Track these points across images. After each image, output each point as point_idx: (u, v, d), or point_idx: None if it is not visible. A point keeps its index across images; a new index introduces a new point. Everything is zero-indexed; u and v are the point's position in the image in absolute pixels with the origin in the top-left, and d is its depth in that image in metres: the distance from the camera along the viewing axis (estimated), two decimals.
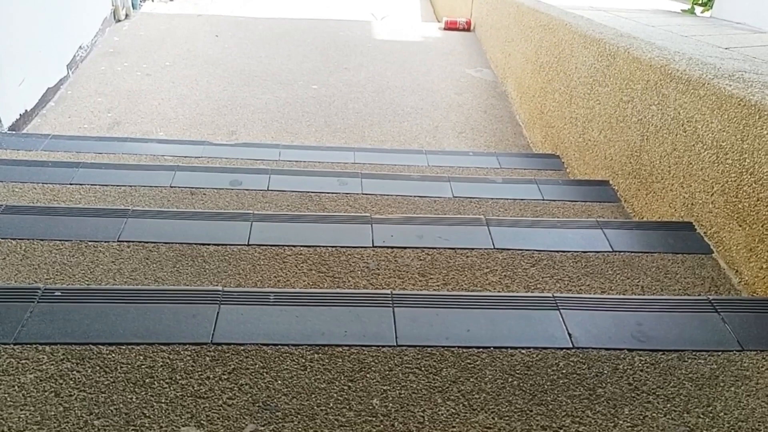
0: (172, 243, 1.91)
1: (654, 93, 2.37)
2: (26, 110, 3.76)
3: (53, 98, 4.12)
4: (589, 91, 2.97)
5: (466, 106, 4.49)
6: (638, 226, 2.17)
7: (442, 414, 1.24)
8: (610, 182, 2.75)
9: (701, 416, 1.26)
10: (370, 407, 1.25)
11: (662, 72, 2.31)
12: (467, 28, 6.02)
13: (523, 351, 1.41)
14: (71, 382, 1.25)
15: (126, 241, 1.90)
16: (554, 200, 2.61)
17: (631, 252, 2.00)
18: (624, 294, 1.78)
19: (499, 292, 1.76)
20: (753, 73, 2.14)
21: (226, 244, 1.92)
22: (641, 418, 1.25)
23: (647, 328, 1.49)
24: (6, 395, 1.20)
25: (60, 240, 1.88)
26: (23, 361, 1.28)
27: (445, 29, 6.15)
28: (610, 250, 2.00)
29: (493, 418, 1.24)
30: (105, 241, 1.89)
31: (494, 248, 1.98)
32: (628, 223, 2.22)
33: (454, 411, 1.25)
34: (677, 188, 2.24)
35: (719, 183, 1.99)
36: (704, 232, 2.08)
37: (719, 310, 1.56)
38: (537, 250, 1.97)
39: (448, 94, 4.69)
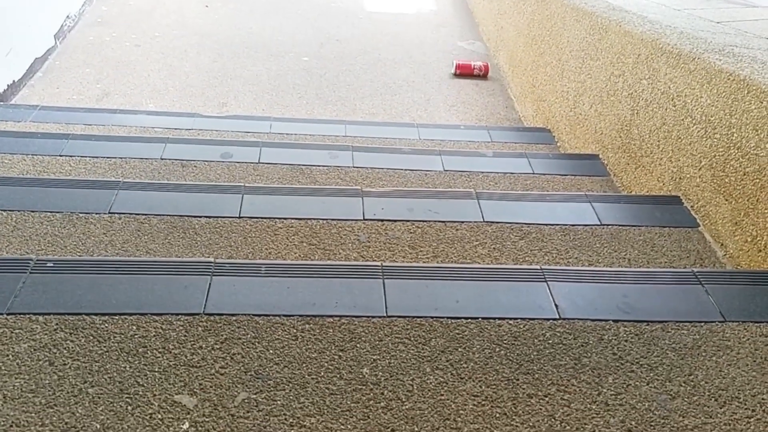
0: (164, 215, 1.91)
1: (645, 67, 2.38)
2: (14, 81, 3.72)
3: (41, 69, 4.07)
4: (581, 65, 2.97)
5: (458, 80, 4.48)
6: (626, 200, 2.19)
7: (431, 383, 1.27)
8: (600, 156, 2.77)
9: (683, 385, 1.30)
10: (361, 376, 1.27)
11: (653, 46, 2.31)
12: (485, 72, 4.50)
13: (510, 322, 1.43)
14: (65, 352, 1.26)
15: (117, 213, 1.90)
16: (544, 174, 2.63)
17: (619, 225, 2.02)
18: (611, 266, 1.80)
19: (488, 264, 1.79)
20: (743, 47, 2.15)
21: (217, 217, 1.93)
22: (624, 386, 1.29)
23: (632, 299, 1.52)
24: (0, 364, 1.22)
25: (51, 212, 1.88)
26: (17, 331, 1.30)
27: (457, 73, 4.51)
28: (598, 223, 2.03)
29: (480, 387, 1.26)
30: (96, 213, 1.89)
31: (484, 221, 2.00)
32: (617, 197, 2.24)
33: (442, 380, 1.28)
34: (666, 162, 2.26)
35: (707, 157, 2.01)
36: (691, 206, 2.11)
37: (703, 283, 1.59)
38: (526, 223, 1.99)
39: (440, 67, 4.66)
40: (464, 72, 4.48)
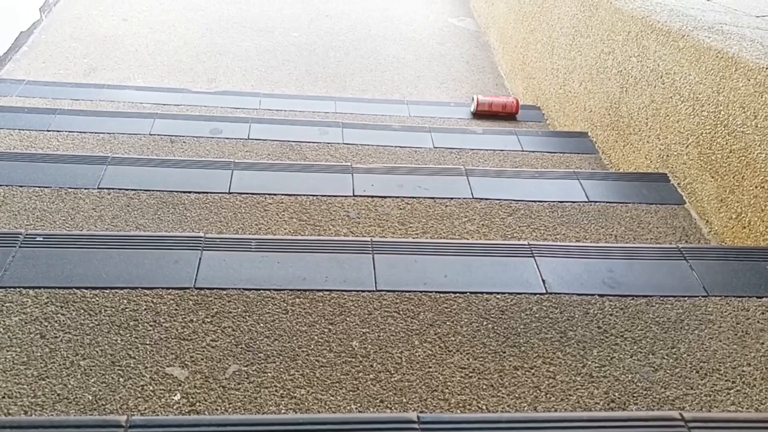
0: (153, 190, 1.91)
1: (634, 44, 2.38)
2: None
3: (26, 43, 4.01)
4: (571, 42, 2.97)
5: (449, 56, 4.46)
6: (614, 177, 2.21)
7: (419, 355, 1.29)
8: (589, 134, 2.78)
9: (665, 357, 1.32)
10: (350, 349, 1.29)
11: (643, 23, 2.31)
12: (514, 111, 3.29)
13: (498, 296, 1.45)
14: (56, 325, 1.27)
15: (106, 188, 1.90)
16: (533, 151, 2.64)
17: (606, 202, 2.04)
18: (597, 242, 1.83)
19: (476, 240, 1.80)
20: (732, 25, 2.16)
21: (207, 192, 1.93)
22: (609, 359, 1.31)
23: (618, 274, 1.54)
24: None
25: (39, 186, 1.87)
26: (7, 304, 1.30)
27: (476, 111, 3.28)
28: (586, 200, 2.05)
29: (467, 359, 1.29)
30: (85, 188, 1.89)
31: (473, 198, 2.02)
32: (604, 174, 2.26)
33: (430, 352, 1.30)
34: (653, 140, 2.28)
35: (694, 135, 2.02)
36: (678, 183, 2.13)
37: (688, 258, 1.62)
38: (515, 200, 2.01)
39: (430, 43, 4.64)
40: (487, 112, 3.28)
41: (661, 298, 1.48)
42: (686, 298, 1.49)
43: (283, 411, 1.15)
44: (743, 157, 1.78)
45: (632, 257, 1.61)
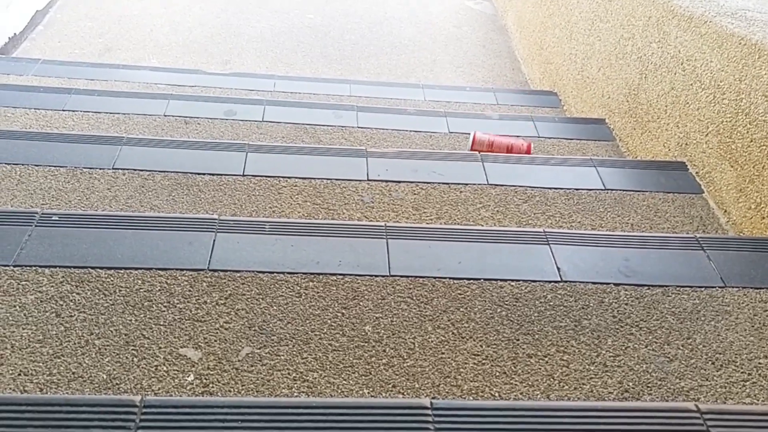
0: (168, 172, 1.91)
1: (655, 30, 2.34)
2: (15, 34, 3.67)
3: (42, 22, 4.02)
4: (590, 27, 2.93)
5: (465, 40, 4.42)
6: (631, 165, 2.18)
7: (432, 341, 1.29)
8: (606, 120, 2.75)
9: (681, 348, 1.31)
10: (363, 333, 1.29)
11: (665, 8, 2.27)
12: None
13: (512, 283, 1.44)
14: (71, 304, 1.28)
15: (121, 169, 1.90)
16: (550, 137, 2.62)
17: (623, 190, 2.02)
18: (613, 231, 1.81)
19: (491, 226, 1.79)
20: (756, 11, 2.11)
21: (221, 174, 1.93)
22: (623, 348, 1.30)
23: (634, 263, 1.53)
24: (8, 315, 1.24)
25: (55, 166, 1.88)
26: (23, 283, 1.31)
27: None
28: (603, 188, 2.02)
29: (481, 346, 1.28)
30: (100, 168, 1.89)
31: (488, 184, 2.00)
32: (621, 162, 2.23)
33: (443, 338, 1.29)
34: (672, 128, 2.24)
35: (714, 123, 1.99)
36: (696, 172, 2.10)
37: (705, 248, 1.60)
38: (530, 187, 1.99)
39: (446, 26, 4.60)
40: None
41: (678, 288, 1.46)
42: (703, 289, 1.47)
43: (295, 394, 1.15)
44: (764, 147, 1.75)
45: (649, 246, 1.60)
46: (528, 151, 2.36)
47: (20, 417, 0.91)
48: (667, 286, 1.47)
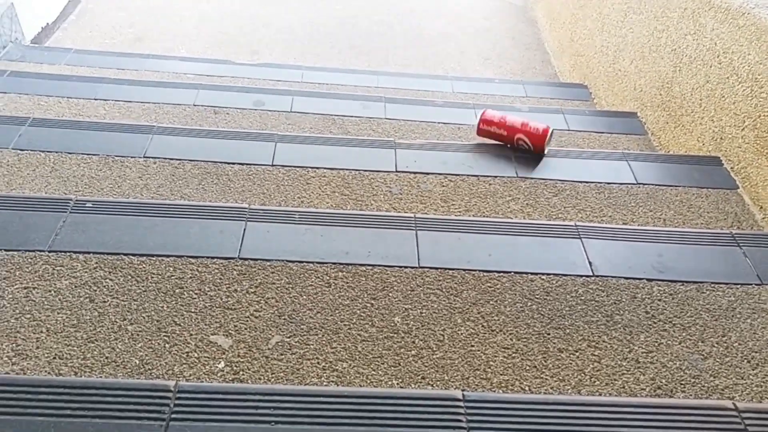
0: (198, 161, 1.92)
1: (690, 22, 2.29)
2: (47, 23, 3.72)
3: (74, 12, 4.07)
4: (623, 19, 2.88)
5: (494, 32, 4.37)
6: (664, 159, 2.15)
7: (462, 333, 1.28)
8: (638, 114, 2.70)
9: (715, 345, 1.29)
10: (392, 324, 1.29)
11: (701, 0, 2.22)
12: (538, 145, 2.06)
13: (543, 277, 1.43)
14: (105, 290, 1.30)
15: (152, 158, 1.92)
16: (580, 131, 2.58)
17: (656, 185, 1.99)
18: (645, 226, 1.78)
19: (521, 219, 1.77)
20: None
21: (250, 164, 1.93)
22: (656, 345, 1.28)
23: (667, 259, 1.50)
24: (44, 299, 1.26)
25: (88, 154, 1.90)
26: (58, 268, 1.33)
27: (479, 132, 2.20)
28: (634, 182, 1.99)
29: (511, 340, 1.27)
30: (132, 157, 1.91)
31: (517, 177, 1.98)
32: (654, 156, 2.19)
33: (473, 331, 1.29)
34: (707, 122, 2.20)
35: (751, 117, 1.95)
36: (731, 167, 2.06)
37: (741, 245, 1.57)
38: (560, 180, 1.97)
39: (475, 18, 4.55)
40: (494, 135, 2.15)
41: (713, 285, 1.44)
42: (739, 286, 1.44)
43: (324, 383, 1.15)
44: None
45: (682, 242, 1.57)
46: (545, 134, 2.04)
47: (57, 399, 0.93)
48: (701, 282, 1.44)
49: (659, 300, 1.39)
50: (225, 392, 0.97)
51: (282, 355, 1.20)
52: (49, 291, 1.28)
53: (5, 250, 1.35)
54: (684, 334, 1.31)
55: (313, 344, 1.23)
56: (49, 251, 1.37)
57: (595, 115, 2.77)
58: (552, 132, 1.99)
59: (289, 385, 1.11)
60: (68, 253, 1.37)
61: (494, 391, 1.15)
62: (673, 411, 1.07)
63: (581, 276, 1.44)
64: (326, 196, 1.84)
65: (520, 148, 2.06)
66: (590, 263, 1.47)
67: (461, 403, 0.98)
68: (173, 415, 0.92)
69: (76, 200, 1.52)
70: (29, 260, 1.34)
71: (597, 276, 1.44)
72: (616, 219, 1.82)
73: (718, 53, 2.13)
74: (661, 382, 1.21)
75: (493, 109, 2.20)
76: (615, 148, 2.45)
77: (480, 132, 2.14)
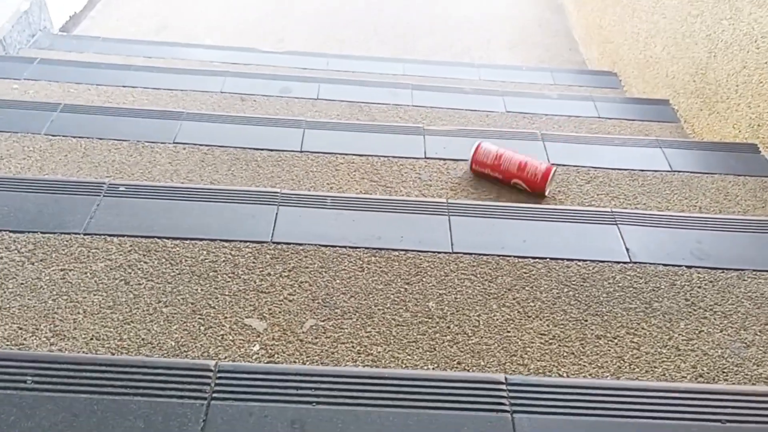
0: (227, 147, 1.92)
1: (727, 6, 2.24)
2: (75, 12, 3.75)
3: (101, 0, 4.09)
4: (654, 5, 2.82)
5: (520, 19, 4.32)
6: (699, 146, 2.10)
7: (498, 319, 1.26)
8: (671, 101, 2.65)
9: (758, 333, 1.26)
10: (426, 309, 1.28)
11: None
12: (540, 187, 1.77)
13: (579, 263, 1.40)
14: (139, 272, 1.30)
15: (182, 143, 1.92)
16: (611, 118, 2.54)
17: (691, 172, 1.95)
18: (682, 212, 1.74)
19: (556, 205, 1.74)
20: None
21: (279, 150, 1.93)
22: (697, 332, 1.26)
23: (707, 246, 1.47)
24: (80, 281, 1.26)
25: (118, 140, 1.91)
26: (93, 250, 1.33)
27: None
28: (669, 169, 1.95)
29: (548, 326, 1.25)
30: (162, 143, 1.91)
31: (549, 164, 1.95)
32: (689, 143, 2.15)
33: (509, 317, 1.27)
34: (743, 108, 2.15)
35: None
36: None
37: None
38: (593, 167, 1.93)
39: (501, 5, 4.50)
40: (488, 176, 1.87)
41: (754, 273, 1.40)
42: None
43: (359, 367, 1.14)
44: None
45: (722, 229, 1.53)
46: (546, 176, 1.76)
47: (99, 377, 0.93)
48: (742, 269, 1.41)
49: (699, 287, 1.36)
50: (266, 372, 0.96)
51: (316, 338, 1.20)
52: (85, 273, 1.28)
53: (41, 233, 1.36)
54: (725, 321, 1.28)
55: (347, 328, 1.22)
56: (84, 234, 1.38)
57: (626, 102, 2.72)
58: (555, 171, 1.76)
59: (330, 367, 1.10)
60: (103, 236, 1.37)
61: (535, 376, 1.13)
62: (717, 397, 1.04)
63: (618, 262, 1.41)
64: (355, 182, 1.83)
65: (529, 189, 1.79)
66: (627, 249, 1.44)
67: (504, 386, 0.96)
68: (214, 394, 0.92)
69: (110, 184, 1.52)
70: (65, 243, 1.35)
71: (634, 263, 1.41)
72: (650, 207, 1.78)
73: (755, 38, 2.07)
74: (703, 370, 1.18)
75: (491, 141, 1.90)
76: (647, 136, 2.41)
77: (473, 171, 1.87)
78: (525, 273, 1.37)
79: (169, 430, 0.87)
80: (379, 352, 1.18)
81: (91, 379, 0.92)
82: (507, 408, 0.93)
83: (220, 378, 0.94)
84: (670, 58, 2.67)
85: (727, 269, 1.41)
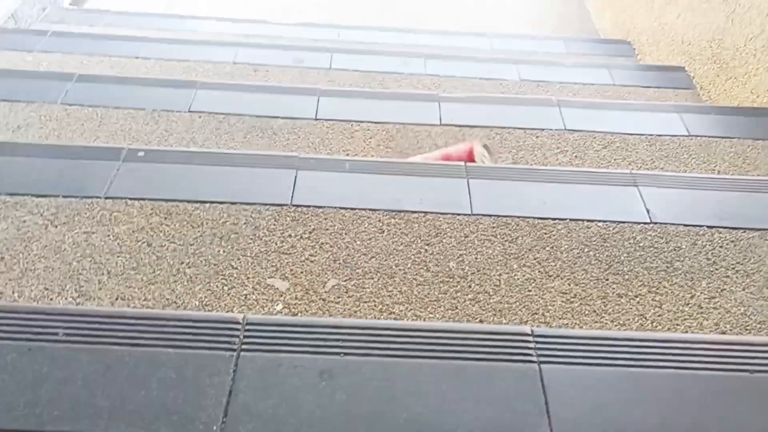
0: (242, 114, 1.92)
1: None
2: None
3: None
4: None
5: None
6: (717, 111, 2.08)
7: (518, 279, 1.26)
8: (686, 68, 2.62)
9: None
10: (447, 269, 1.28)
11: None
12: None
13: (599, 224, 1.40)
14: (161, 235, 1.31)
15: (197, 112, 1.92)
16: (626, 86, 2.51)
17: (709, 137, 1.93)
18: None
19: (575, 167, 1.74)
20: None
21: (294, 118, 1.92)
22: (719, 291, 1.25)
23: (728, 206, 1.46)
24: (103, 243, 1.27)
25: (134, 108, 1.91)
26: (115, 214, 1.34)
27: None
28: (687, 134, 1.94)
29: (569, 285, 1.25)
30: (177, 111, 1.91)
31: (565, 129, 1.94)
32: (706, 108, 2.13)
33: (530, 276, 1.27)
34: (762, 73, 2.12)
35: None
36: None
37: None
38: (610, 132, 1.92)
39: None
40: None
41: None
42: None
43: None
44: None
45: (743, 189, 1.52)
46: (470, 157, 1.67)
47: (131, 329, 0.94)
48: (764, 229, 1.40)
49: (721, 247, 1.35)
50: (292, 324, 0.97)
51: (339, 297, 1.20)
52: (108, 236, 1.29)
53: (63, 197, 1.37)
54: (748, 280, 1.28)
55: (369, 288, 1.23)
56: (105, 198, 1.38)
57: (641, 69, 2.69)
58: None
59: (358, 319, 1.11)
60: (124, 200, 1.38)
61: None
62: (744, 348, 1.04)
63: (639, 223, 1.41)
64: (371, 149, 1.83)
65: None
66: (647, 210, 1.44)
67: (530, 338, 0.97)
68: (243, 345, 0.93)
69: (129, 149, 1.52)
70: (87, 206, 1.35)
71: (655, 223, 1.41)
72: (668, 171, 1.77)
73: None
74: (726, 328, 1.18)
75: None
76: (663, 102, 2.38)
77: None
78: (545, 234, 1.37)
79: (201, 380, 0.89)
80: (401, 310, 1.19)
81: (123, 331, 0.93)
82: (534, 358, 0.94)
83: (248, 330, 0.95)
84: (685, 25, 2.64)
85: (748, 229, 1.40)
